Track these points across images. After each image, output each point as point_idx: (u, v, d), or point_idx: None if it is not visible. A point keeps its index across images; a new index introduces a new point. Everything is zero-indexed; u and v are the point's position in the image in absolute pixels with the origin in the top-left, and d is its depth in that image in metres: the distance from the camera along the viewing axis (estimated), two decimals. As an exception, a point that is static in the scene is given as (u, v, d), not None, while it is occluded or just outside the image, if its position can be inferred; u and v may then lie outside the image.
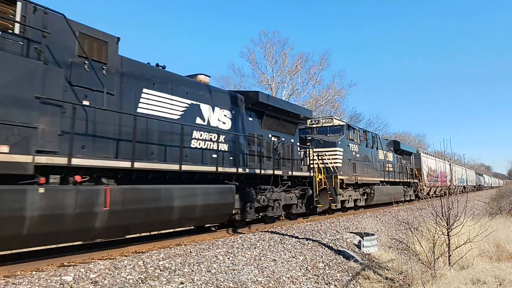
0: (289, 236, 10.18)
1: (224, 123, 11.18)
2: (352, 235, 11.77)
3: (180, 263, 6.79)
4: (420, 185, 27.25)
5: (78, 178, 6.96)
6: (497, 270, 9.46)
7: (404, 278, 8.40)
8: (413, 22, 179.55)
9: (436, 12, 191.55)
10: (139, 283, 5.66)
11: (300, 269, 8.03)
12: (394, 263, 9.81)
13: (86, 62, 7.41)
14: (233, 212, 10.66)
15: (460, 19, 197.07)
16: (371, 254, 10.90)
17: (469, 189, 50.51)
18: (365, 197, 20.01)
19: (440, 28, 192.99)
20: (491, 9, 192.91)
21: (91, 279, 5.53)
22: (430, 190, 30.59)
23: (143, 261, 6.66)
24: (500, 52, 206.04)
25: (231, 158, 11.04)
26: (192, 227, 11.50)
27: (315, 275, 8.00)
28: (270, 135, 13.31)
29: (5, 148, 5.74)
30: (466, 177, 49.25)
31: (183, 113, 9.79)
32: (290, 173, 13.16)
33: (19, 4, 6.51)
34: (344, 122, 18.92)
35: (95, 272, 5.84)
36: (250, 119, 12.56)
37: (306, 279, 7.68)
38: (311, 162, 14.84)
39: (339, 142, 17.31)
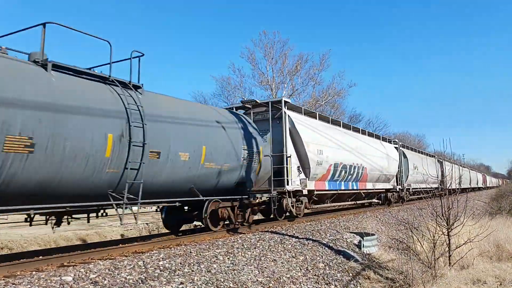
0: (289, 236, 10.17)
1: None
2: (352, 235, 11.76)
3: (180, 263, 6.78)
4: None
5: None
6: (498, 270, 9.44)
7: (404, 278, 8.40)
8: (413, 21, 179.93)
9: (435, 12, 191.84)
10: (139, 283, 5.65)
11: (300, 269, 8.02)
12: (395, 263, 9.80)
13: None
14: None
15: (460, 18, 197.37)
16: (371, 254, 10.90)
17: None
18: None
19: (440, 28, 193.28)
20: (490, 9, 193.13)
21: (91, 279, 5.52)
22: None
23: (143, 261, 6.65)
24: (500, 51, 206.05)
25: None
26: (192, 227, 11.64)
27: (315, 275, 8.00)
28: None
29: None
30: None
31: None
32: None
33: None
34: None
35: (95, 272, 5.83)
36: None
37: (306, 279, 7.67)
38: None
39: None
